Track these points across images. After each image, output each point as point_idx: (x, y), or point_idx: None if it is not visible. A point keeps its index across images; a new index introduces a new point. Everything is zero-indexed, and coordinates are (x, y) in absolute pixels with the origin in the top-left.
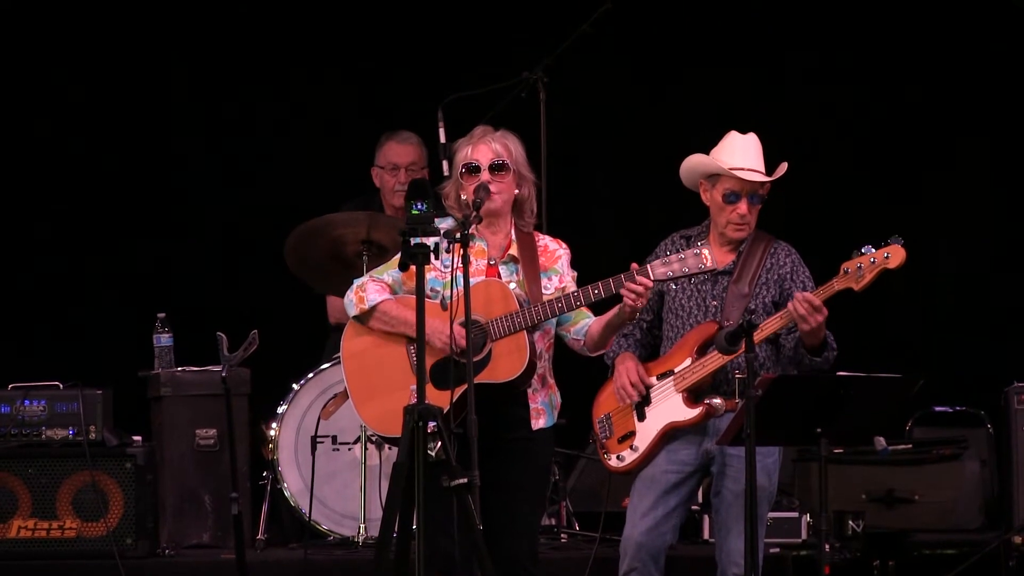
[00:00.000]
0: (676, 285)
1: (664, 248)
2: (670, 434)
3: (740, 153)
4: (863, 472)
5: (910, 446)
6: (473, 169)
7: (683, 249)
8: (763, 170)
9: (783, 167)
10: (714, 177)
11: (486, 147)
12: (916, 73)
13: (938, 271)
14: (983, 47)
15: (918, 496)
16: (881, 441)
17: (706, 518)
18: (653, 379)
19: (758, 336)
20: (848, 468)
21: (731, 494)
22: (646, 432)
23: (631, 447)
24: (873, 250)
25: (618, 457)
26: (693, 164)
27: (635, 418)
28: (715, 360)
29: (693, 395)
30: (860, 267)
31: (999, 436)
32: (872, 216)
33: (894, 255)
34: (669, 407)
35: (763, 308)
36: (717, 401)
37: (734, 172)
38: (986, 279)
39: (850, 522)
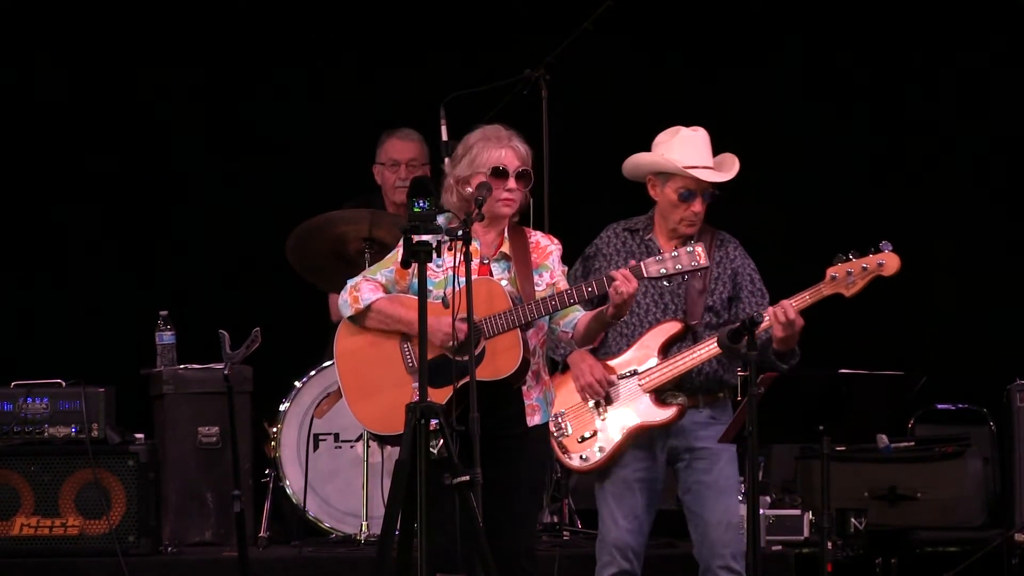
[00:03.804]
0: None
1: (607, 241)
2: (638, 434)
3: (693, 150)
4: (866, 470)
5: (913, 444)
6: (502, 173)
7: (629, 241)
8: (712, 164)
9: (736, 165)
10: (664, 174)
11: (514, 153)
12: (916, 71)
13: (939, 269)
14: (982, 44)
15: (920, 494)
16: (884, 439)
17: None
18: (613, 378)
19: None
20: (851, 466)
21: (703, 487)
22: (611, 432)
23: (596, 448)
24: (859, 256)
25: (581, 457)
26: (642, 162)
27: (596, 418)
28: (688, 360)
29: (658, 395)
30: (851, 273)
31: (1002, 433)
32: (872, 215)
33: (889, 262)
34: (636, 407)
35: (721, 304)
36: (683, 399)
37: (691, 172)
38: (988, 277)
39: (852, 520)
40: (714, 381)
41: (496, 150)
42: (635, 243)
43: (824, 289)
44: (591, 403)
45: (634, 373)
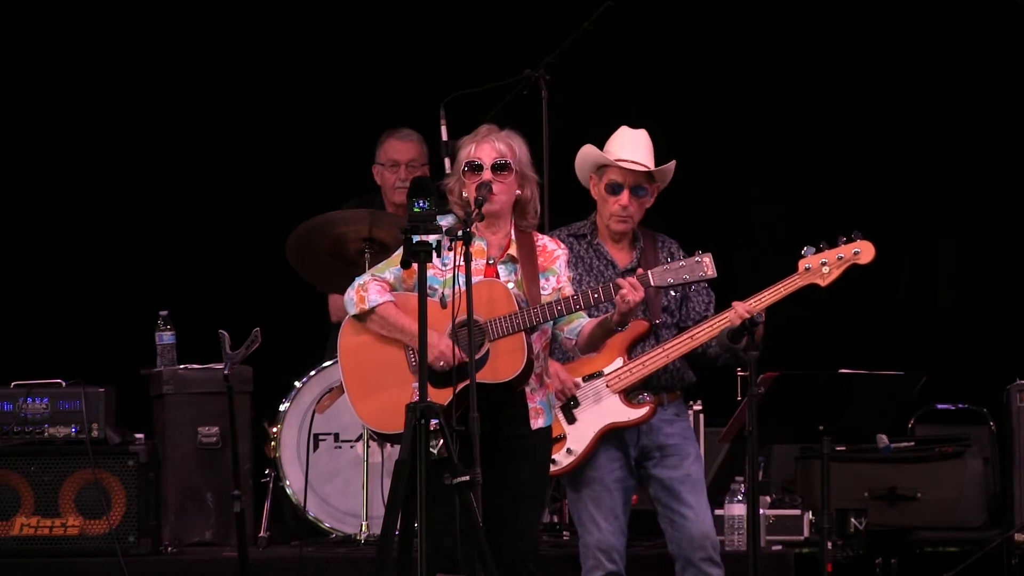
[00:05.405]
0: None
1: None
2: (608, 435)
3: (627, 146)
4: (866, 470)
5: (913, 444)
6: (476, 167)
7: (576, 246)
8: (644, 161)
9: (671, 164)
10: (601, 170)
11: (489, 146)
12: (917, 70)
13: (940, 269)
14: (984, 46)
15: (920, 494)
16: (884, 439)
17: None
18: (579, 380)
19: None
20: (851, 466)
21: (676, 482)
22: (581, 434)
23: (566, 450)
24: (829, 246)
25: (552, 461)
26: (582, 156)
27: (563, 421)
28: (657, 359)
29: (627, 394)
30: (825, 263)
31: (1002, 434)
32: (873, 215)
33: (865, 251)
34: (606, 408)
35: (674, 304)
36: (653, 398)
37: (618, 162)
38: (988, 277)
39: (852, 520)
40: (677, 379)
41: (468, 147)
42: (582, 248)
43: (798, 280)
44: (558, 406)
45: (599, 375)
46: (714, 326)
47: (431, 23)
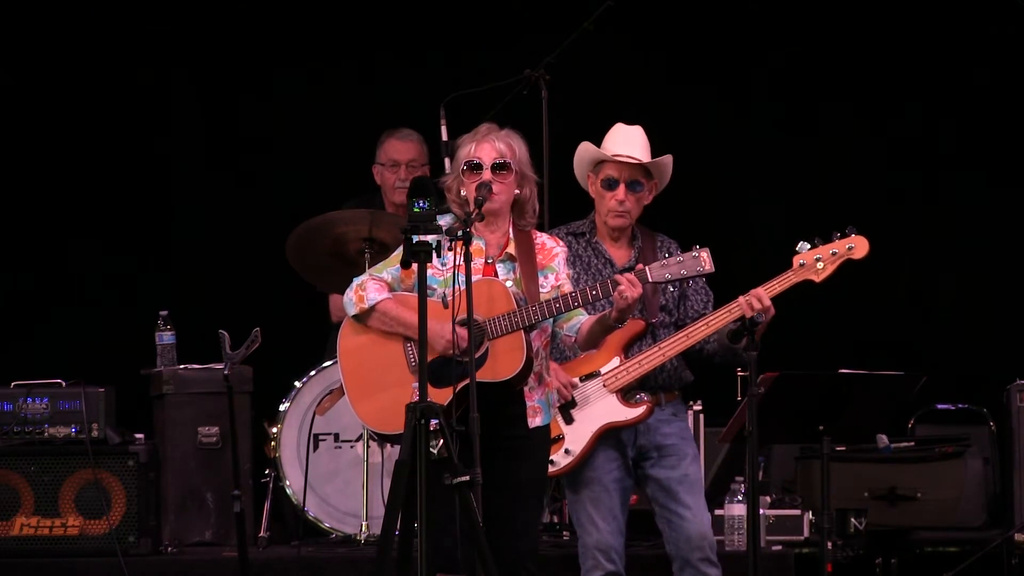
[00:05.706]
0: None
1: None
2: (605, 434)
3: (622, 142)
4: (866, 470)
5: (913, 444)
6: (475, 167)
7: (575, 244)
8: (639, 155)
9: (664, 159)
10: (598, 167)
11: (489, 145)
12: (918, 76)
13: (940, 269)
14: (984, 47)
15: (920, 494)
16: (884, 439)
17: None
18: (576, 380)
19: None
20: (851, 466)
21: (674, 482)
22: (579, 435)
23: (564, 451)
24: (823, 242)
25: (550, 462)
26: (579, 153)
27: (561, 422)
28: (653, 358)
29: (624, 394)
30: (819, 258)
31: (1002, 434)
32: (873, 215)
33: (859, 246)
34: (603, 408)
35: (672, 303)
36: (650, 397)
37: (613, 157)
38: (988, 276)
39: (852, 520)
40: (675, 379)
41: (468, 146)
42: (581, 247)
43: (793, 276)
44: (556, 407)
45: (597, 374)
46: (711, 323)
47: (431, 23)
